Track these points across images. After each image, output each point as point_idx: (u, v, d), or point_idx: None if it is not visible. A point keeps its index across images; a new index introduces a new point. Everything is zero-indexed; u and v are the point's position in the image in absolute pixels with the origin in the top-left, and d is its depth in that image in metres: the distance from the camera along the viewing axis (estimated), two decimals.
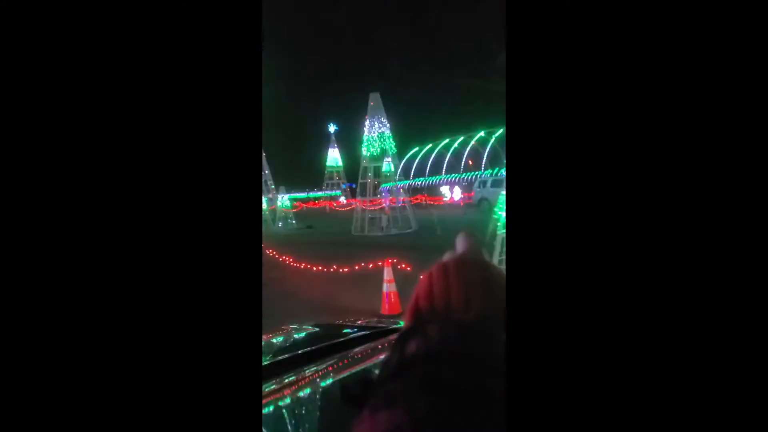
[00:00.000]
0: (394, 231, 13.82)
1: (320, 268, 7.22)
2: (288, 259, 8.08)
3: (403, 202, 14.81)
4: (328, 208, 28.15)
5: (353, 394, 0.36)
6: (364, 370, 0.94)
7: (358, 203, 15.44)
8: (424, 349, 0.32)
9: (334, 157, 38.45)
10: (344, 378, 0.89)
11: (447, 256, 0.41)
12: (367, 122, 14.41)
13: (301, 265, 7.53)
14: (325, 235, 14.81)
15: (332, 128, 38.63)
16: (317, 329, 1.43)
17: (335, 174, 38.95)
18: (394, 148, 14.54)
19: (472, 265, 0.39)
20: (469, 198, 17.59)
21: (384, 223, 14.15)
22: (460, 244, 0.43)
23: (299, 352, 1.04)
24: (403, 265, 5.66)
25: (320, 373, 0.95)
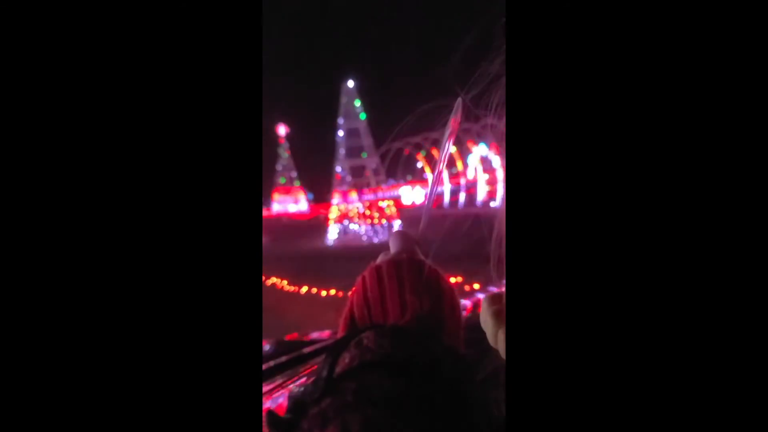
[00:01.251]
0: (376, 240, 12.16)
1: (338, 292, 5.36)
2: (281, 281, 6.17)
3: (369, 207, 13.21)
4: (285, 219, 26.17)
5: (282, 421, 0.31)
6: (294, 392, 0.71)
7: (322, 212, 13.62)
8: (357, 360, 0.30)
9: (284, 162, 35.87)
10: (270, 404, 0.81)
11: (381, 258, 0.39)
12: (341, 118, 12.66)
13: (299, 288, 5.65)
14: (301, 248, 12.84)
15: (282, 131, 35.88)
16: (268, 347, 1.25)
17: (292, 184, 36.57)
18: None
19: (407, 265, 0.38)
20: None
21: (366, 231, 12.47)
22: (394, 244, 0.41)
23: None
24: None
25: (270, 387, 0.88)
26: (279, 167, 37.04)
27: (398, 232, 0.42)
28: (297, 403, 0.30)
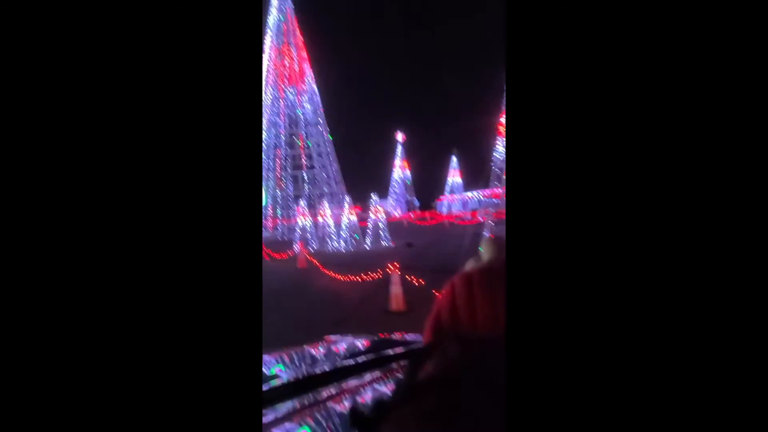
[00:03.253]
0: None
1: None
2: None
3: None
4: (406, 222, 25.78)
5: (364, 418, 0.32)
6: (379, 392, 0.84)
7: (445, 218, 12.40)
8: (442, 370, 0.29)
9: (402, 169, 36.00)
10: (356, 400, 0.80)
11: (470, 264, 0.39)
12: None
13: None
14: (451, 258, 11.69)
15: (400, 136, 36.07)
16: (358, 341, 1.28)
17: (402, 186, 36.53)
18: None
19: (501, 274, 0.36)
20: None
21: None
22: (486, 250, 0.40)
23: (338, 365, 1.01)
24: None
25: (352, 390, 0.86)
26: (394, 174, 37.17)
27: (491, 238, 0.40)
28: (380, 405, 0.30)
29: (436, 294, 0.37)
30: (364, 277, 7.08)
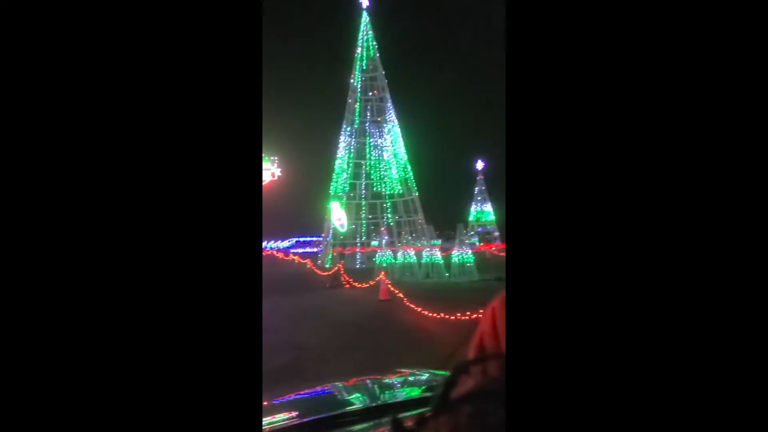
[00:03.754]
0: None
1: None
2: None
3: None
4: (488, 252, 24.48)
5: (405, 429, 0.34)
6: (421, 406, 0.93)
7: None
8: (480, 386, 0.31)
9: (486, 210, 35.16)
10: (399, 412, 0.81)
11: None
12: None
13: None
14: None
15: (480, 164, 35.51)
16: (433, 376, 1.30)
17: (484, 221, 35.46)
18: None
19: None
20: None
21: None
22: None
23: (415, 397, 1.06)
24: None
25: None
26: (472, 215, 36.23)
27: None
28: (419, 416, 0.33)
29: (478, 313, 0.33)
30: (460, 315, 6.29)
